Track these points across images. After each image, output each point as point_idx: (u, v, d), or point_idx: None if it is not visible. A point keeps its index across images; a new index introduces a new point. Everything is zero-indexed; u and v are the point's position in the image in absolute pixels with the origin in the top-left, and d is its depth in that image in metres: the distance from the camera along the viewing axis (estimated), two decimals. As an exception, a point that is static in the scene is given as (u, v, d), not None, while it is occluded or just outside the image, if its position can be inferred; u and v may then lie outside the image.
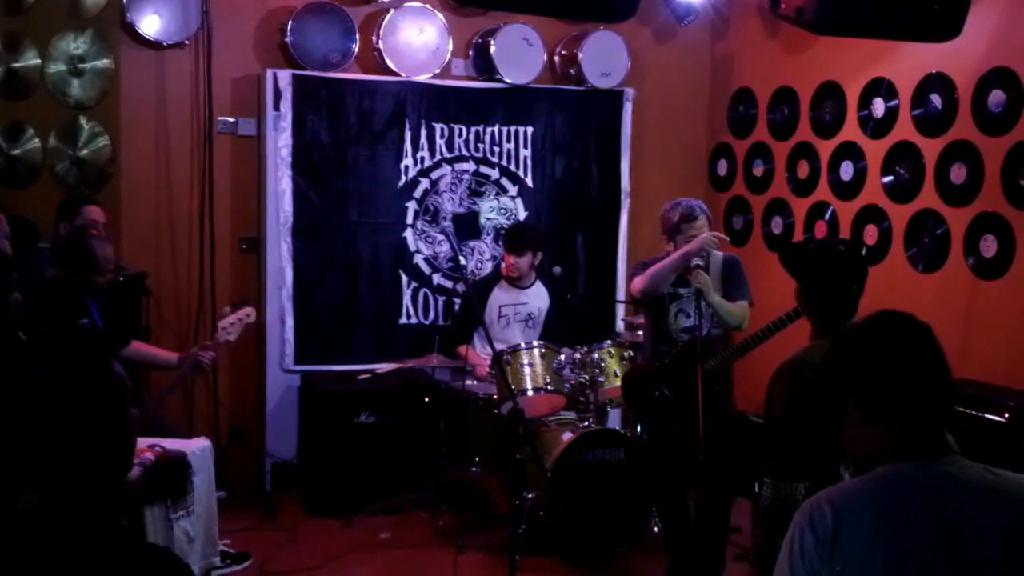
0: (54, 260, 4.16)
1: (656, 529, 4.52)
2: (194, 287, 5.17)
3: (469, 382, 4.87)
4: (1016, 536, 1.67)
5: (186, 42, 5.08)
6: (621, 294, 5.72)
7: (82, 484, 1.60)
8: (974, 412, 3.96)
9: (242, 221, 5.32)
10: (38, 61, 4.85)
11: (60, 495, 1.59)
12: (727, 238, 4.02)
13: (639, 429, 4.74)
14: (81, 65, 4.92)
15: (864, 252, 4.98)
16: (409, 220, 5.44)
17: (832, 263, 3.03)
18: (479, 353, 5.06)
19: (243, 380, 5.34)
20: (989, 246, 4.42)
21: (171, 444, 4.05)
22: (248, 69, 5.23)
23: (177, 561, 1.64)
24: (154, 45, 5.04)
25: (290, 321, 5.24)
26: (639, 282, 4.15)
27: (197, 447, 4.16)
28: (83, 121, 4.95)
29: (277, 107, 5.12)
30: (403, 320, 5.47)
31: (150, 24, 4.99)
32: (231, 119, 5.24)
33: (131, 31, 4.98)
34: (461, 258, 5.01)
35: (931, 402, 1.75)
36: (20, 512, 1.60)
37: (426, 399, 4.99)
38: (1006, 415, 3.89)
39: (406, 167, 5.40)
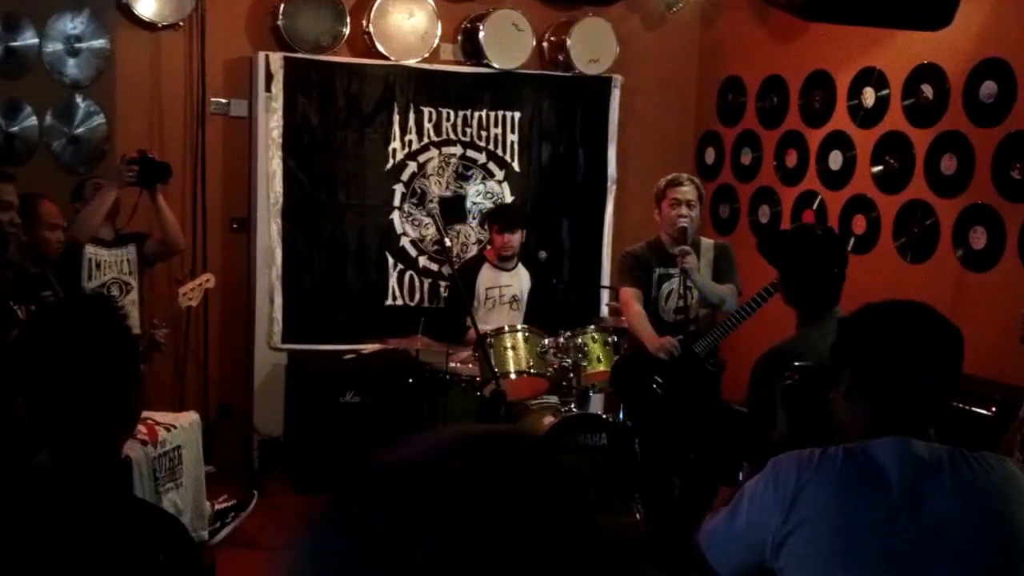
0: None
1: (639, 516, 4.54)
2: (185, 266, 5.24)
3: (452, 363, 4.92)
4: (978, 524, 1.67)
5: (180, 23, 5.14)
6: (606, 279, 5.74)
7: (94, 441, 1.60)
8: (961, 405, 3.95)
9: (233, 201, 5.39)
10: (36, 40, 4.93)
11: (73, 453, 1.59)
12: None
13: (621, 415, 4.77)
14: (78, 45, 5.00)
15: (851, 241, 4.98)
16: (396, 203, 5.49)
17: (810, 248, 3.03)
18: None
19: (231, 357, 5.41)
20: (979, 238, 4.41)
21: (161, 416, 4.15)
22: (241, 51, 5.29)
23: (178, 523, 1.68)
24: (149, 26, 5.11)
25: (278, 300, 5.31)
26: (623, 315, 4.28)
27: (186, 421, 4.26)
28: (79, 100, 5.03)
29: (269, 89, 5.18)
30: (389, 301, 5.52)
31: (146, 5, 5.05)
32: (223, 100, 5.30)
33: (127, 12, 5.04)
34: (447, 240, 5.06)
35: (923, 398, 1.74)
36: (35, 471, 1.61)
37: (409, 380, 5.04)
38: (993, 409, 3.88)
39: (394, 150, 5.44)
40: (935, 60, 4.59)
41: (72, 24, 4.98)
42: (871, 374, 1.76)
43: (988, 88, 4.37)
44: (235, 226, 5.42)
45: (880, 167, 4.91)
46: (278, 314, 5.32)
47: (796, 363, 2.18)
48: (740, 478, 2.78)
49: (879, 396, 1.75)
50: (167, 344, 4.36)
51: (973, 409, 3.95)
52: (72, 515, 1.56)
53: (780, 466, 1.75)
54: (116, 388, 1.61)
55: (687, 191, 4.10)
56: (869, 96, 4.96)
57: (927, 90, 4.64)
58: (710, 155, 6.07)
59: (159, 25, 5.11)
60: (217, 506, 4.47)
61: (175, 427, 4.14)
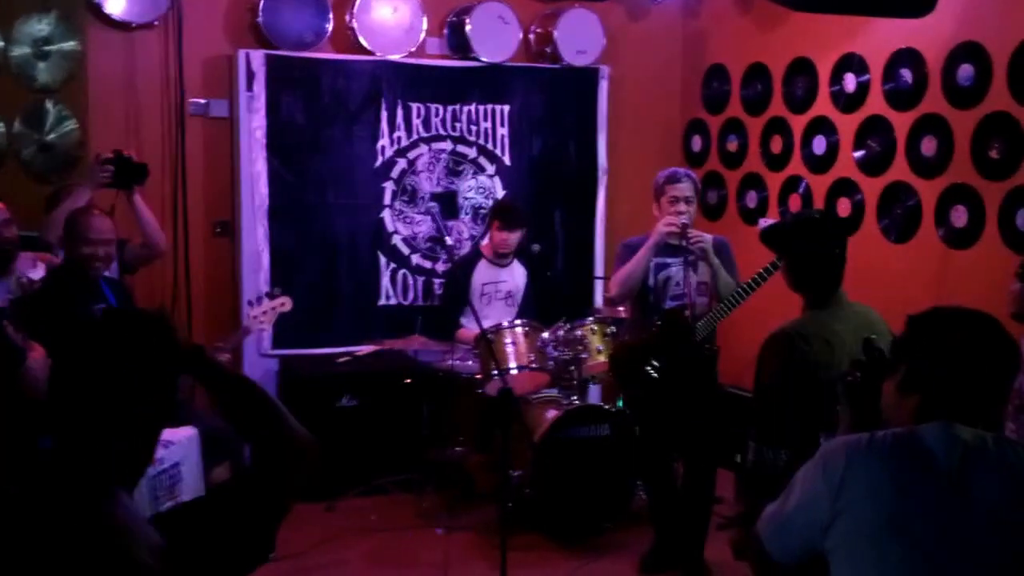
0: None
1: (642, 495, 4.56)
2: (168, 273, 5.09)
3: (452, 362, 4.87)
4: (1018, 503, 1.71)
5: (156, 22, 4.98)
6: (599, 271, 5.75)
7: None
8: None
9: (216, 204, 5.25)
10: (1, 44, 4.73)
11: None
12: (686, 221, 4.12)
13: (620, 403, 4.79)
14: (46, 48, 4.80)
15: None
16: (387, 200, 5.41)
17: (812, 232, 3.08)
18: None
19: (220, 366, 5.27)
20: (959, 216, 4.51)
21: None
22: (220, 49, 5.15)
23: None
24: (122, 26, 4.94)
25: (290, 304, 5.18)
26: (614, 288, 4.29)
27: (184, 436, 4.12)
28: (49, 105, 4.84)
29: (250, 88, 5.05)
30: (382, 301, 5.44)
31: (117, 4, 4.88)
32: (203, 101, 5.15)
33: (98, 12, 4.87)
34: (448, 238, 5.01)
35: (971, 394, 1.79)
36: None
37: (407, 380, 4.98)
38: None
39: (382, 147, 5.36)
40: (913, 45, 4.69)
41: (40, 26, 4.78)
42: (927, 367, 1.82)
43: (965, 71, 4.47)
44: (218, 230, 5.28)
45: (862, 151, 4.99)
46: (267, 319, 5.20)
47: (867, 343, 2.19)
48: (749, 456, 2.82)
49: (930, 386, 1.80)
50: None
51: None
52: (81, 530, 1.51)
53: (829, 452, 1.80)
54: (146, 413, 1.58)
55: (685, 187, 4.17)
56: (850, 82, 5.04)
57: (906, 75, 4.73)
58: (697, 143, 6.11)
59: (133, 25, 4.95)
60: None
61: (172, 443, 4.01)
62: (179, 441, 4.06)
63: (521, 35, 5.55)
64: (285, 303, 4.39)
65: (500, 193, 5.63)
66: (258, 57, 5.06)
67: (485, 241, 5.24)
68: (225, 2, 5.14)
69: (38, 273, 3.95)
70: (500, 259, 5.11)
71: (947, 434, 1.74)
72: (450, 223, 5.53)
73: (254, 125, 5.10)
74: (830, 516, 1.73)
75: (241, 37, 5.15)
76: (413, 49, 5.33)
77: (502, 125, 5.60)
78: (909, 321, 1.91)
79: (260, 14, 5.04)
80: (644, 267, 4.17)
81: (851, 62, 5.03)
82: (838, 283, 3.01)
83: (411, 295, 5.50)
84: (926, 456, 1.72)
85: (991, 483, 1.70)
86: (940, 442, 1.73)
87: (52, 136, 4.86)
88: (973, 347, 1.81)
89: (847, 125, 5.06)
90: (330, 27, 5.16)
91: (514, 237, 5.01)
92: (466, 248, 5.50)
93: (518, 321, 4.76)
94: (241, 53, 5.05)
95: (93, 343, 1.60)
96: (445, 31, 5.50)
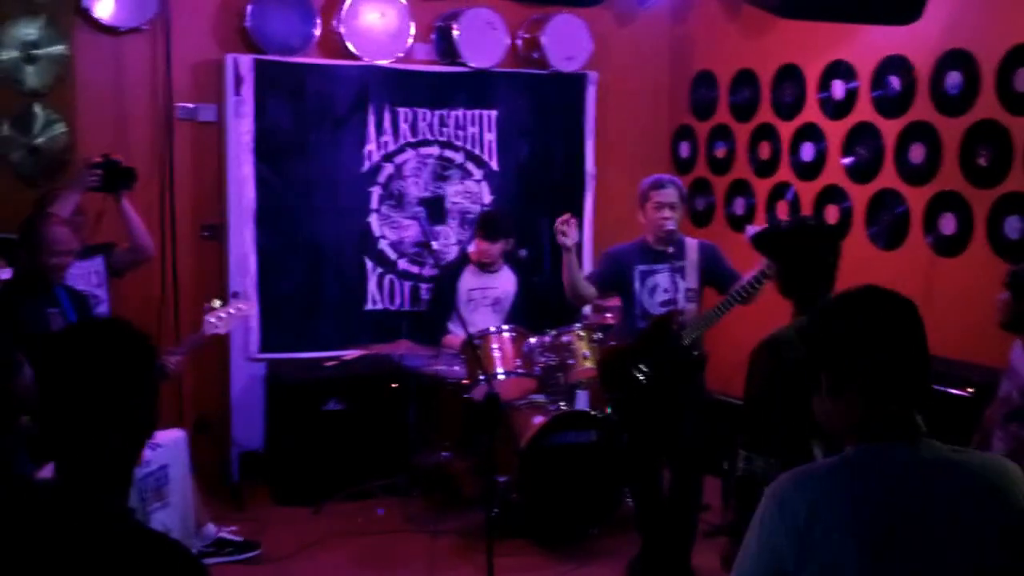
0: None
1: (629, 501, 4.56)
2: (155, 276, 5.08)
3: (438, 367, 4.87)
4: (983, 517, 1.68)
5: (144, 27, 4.99)
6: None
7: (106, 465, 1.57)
8: (938, 387, 4.03)
9: (204, 208, 5.25)
10: (-11, 48, 4.74)
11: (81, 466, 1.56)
12: (573, 219, 4.14)
13: (608, 410, 4.78)
14: (35, 52, 4.80)
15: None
16: (374, 205, 5.41)
17: (807, 239, 3.08)
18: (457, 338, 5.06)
19: (207, 369, 5.26)
20: (948, 224, 4.52)
21: None
22: (208, 54, 5.15)
23: (189, 556, 1.61)
24: (111, 30, 4.94)
25: (254, 309, 5.19)
26: (567, 294, 4.27)
27: (171, 438, 4.12)
28: (38, 109, 4.84)
29: (238, 92, 5.06)
30: (368, 306, 5.44)
31: (106, 9, 4.89)
32: (191, 105, 5.16)
33: (86, 16, 4.87)
34: (435, 244, 5.00)
35: (903, 380, 1.73)
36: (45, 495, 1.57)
37: (393, 385, 4.98)
38: (970, 390, 3.97)
39: (369, 152, 5.37)
40: (902, 52, 4.70)
41: (28, 30, 4.78)
42: (847, 364, 1.73)
43: (953, 79, 4.48)
44: (206, 234, 5.28)
45: (851, 158, 5.00)
46: (254, 323, 5.20)
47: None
48: (740, 464, 2.80)
49: (859, 380, 1.72)
50: (178, 372, 4.05)
51: (950, 391, 4.04)
52: (84, 542, 1.51)
53: (781, 491, 1.69)
54: (123, 408, 1.57)
55: (669, 193, 4.15)
56: (838, 88, 5.05)
57: (895, 82, 4.74)
58: (684, 149, 6.12)
59: (121, 29, 4.95)
60: (222, 533, 4.34)
61: (160, 445, 4.01)
62: (166, 443, 4.07)
63: (509, 41, 5.56)
64: (246, 308, 4.32)
65: (487, 198, 5.64)
66: (246, 62, 5.07)
67: (472, 247, 5.25)
68: (213, 7, 5.15)
69: (5, 274, 3.93)
70: (487, 266, 5.12)
71: (902, 453, 1.70)
72: (437, 228, 5.53)
73: (242, 129, 5.11)
74: (798, 558, 1.65)
75: (229, 42, 5.16)
76: (401, 54, 5.34)
77: (489, 130, 5.60)
78: (804, 336, 1.84)
79: (248, 19, 5.05)
80: (571, 272, 4.14)
81: (839, 69, 5.04)
82: (830, 290, 3.00)
83: (398, 300, 5.50)
84: (887, 481, 1.67)
85: (954, 502, 1.66)
86: (897, 463, 1.69)
87: (40, 140, 4.86)
88: (879, 323, 1.74)
89: (835, 132, 5.07)
90: (318, 32, 5.18)
91: (495, 248, 5.02)
92: (452, 253, 5.50)
93: (505, 327, 4.76)
94: (229, 58, 5.06)
95: (67, 351, 1.60)
96: (433, 36, 5.51)
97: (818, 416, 1.80)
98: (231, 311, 4.19)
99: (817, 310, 1.88)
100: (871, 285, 1.82)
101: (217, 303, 4.17)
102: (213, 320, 4.11)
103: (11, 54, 4.76)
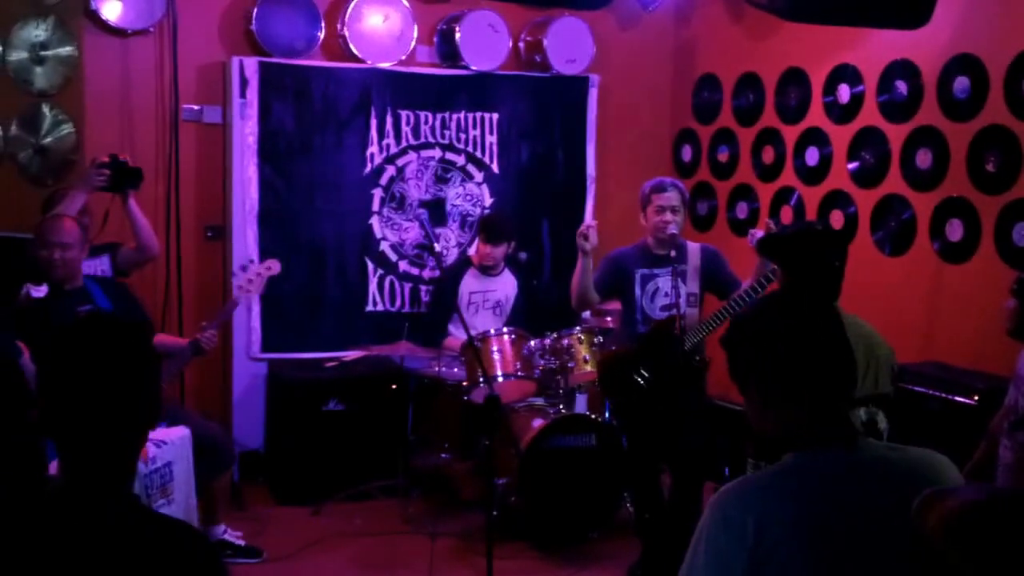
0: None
1: (629, 507, 4.54)
2: (160, 276, 5.12)
3: (439, 369, 4.87)
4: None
5: (151, 29, 5.04)
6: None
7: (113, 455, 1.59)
8: (944, 395, 4.00)
9: (208, 209, 5.29)
10: (-1, 49, 4.80)
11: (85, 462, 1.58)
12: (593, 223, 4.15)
13: (607, 414, 4.77)
14: (43, 52, 4.86)
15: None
16: (375, 207, 5.43)
17: (814, 244, 3.06)
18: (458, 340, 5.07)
19: (209, 369, 5.30)
20: (955, 230, 4.47)
21: (153, 433, 4.01)
22: (213, 56, 5.20)
23: (202, 538, 1.64)
24: (118, 32, 5.00)
25: (256, 309, 5.22)
26: (573, 298, 4.27)
27: (176, 436, 4.15)
28: (46, 109, 4.90)
29: (243, 95, 5.10)
30: (369, 307, 5.46)
31: (114, 10, 4.94)
32: (196, 107, 5.20)
33: (95, 18, 4.93)
34: (436, 246, 5.01)
35: (829, 383, 1.70)
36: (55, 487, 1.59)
37: (393, 386, 4.99)
38: (976, 398, 3.92)
39: (372, 154, 5.39)
40: (909, 56, 4.65)
41: (37, 31, 4.84)
42: (772, 369, 1.70)
43: (961, 84, 4.43)
44: (210, 234, 5.32)
45: (856, 163, 4.96)
46: (256, 323, 5.23)
47: None
48: (748, 473, 2.77)
49: (792, 399, 1.70)
50: (212, 346, 4.18)
51: (956, 398, 3.99)
52: (100, 532, 1.53)
53: (724, 504, 1.67)
54: (128, 400, 1.59)
55: (671, 197, 4.14)
56: (844, 92, 5.01)
57: (901, 86, 4.70)
58: (687, 153, 6.09)
59: (128, 31, 5.00)
60: (227, 536, 4.36)
61: (165, 443, 4.04)
62: (172, 441, 4.09)
63: (511, 43, 5.57)
64: (272, 267, 4.37)
65: (488, 201, 5.64)
66: (251, 64, 5.10)
67: (473, 250, 5.25)
68: (219, 10, 5.19)
69: (41, 292, 3.98)
70: (488, 269, 5.13)
71: (844, 464, 1.68)
72: (438, 230, 5.54)
73: (246, 131, 5.14)
74: (748, 573, 1.63)
75: (235, 44, 5.20)
76: (403, 57, 5.36)
77: (491, 133, 5.61)
78: (725, 343, 1.80)
79: (253, 22, 5.09)
80: (581, 276, 4.15)
81: (845, 73, 5.00)
82: (836, 295, 2.98)
83: (398, 301, 5.51)
84: (830, 495, 1.65)
85: (896, 503, 1.63)
86: (838, 468, 1.67)
87: (48, 140, 4.92)
88: (798, 328, 1.71)
89: (841, 136, 5.03)
90: (322, 35, 5.21)
91: (498, 251, 5.03)
92: (453, 255, 5.51)
93: (505, 329, 4.76)
94: (235, 60, 5.10)
95: (69, 347, 1.63)
96: (435, 39, 5.52)
97: (756, 425, 1.77)
98: (259, 272, 4.28)
99: (734, 320, 1.86)
100: (777, 293, 1.78)
101: (242, 269, 4.34)
102: (243, 284, 4.21)
103: (20, 55, 4.82)
